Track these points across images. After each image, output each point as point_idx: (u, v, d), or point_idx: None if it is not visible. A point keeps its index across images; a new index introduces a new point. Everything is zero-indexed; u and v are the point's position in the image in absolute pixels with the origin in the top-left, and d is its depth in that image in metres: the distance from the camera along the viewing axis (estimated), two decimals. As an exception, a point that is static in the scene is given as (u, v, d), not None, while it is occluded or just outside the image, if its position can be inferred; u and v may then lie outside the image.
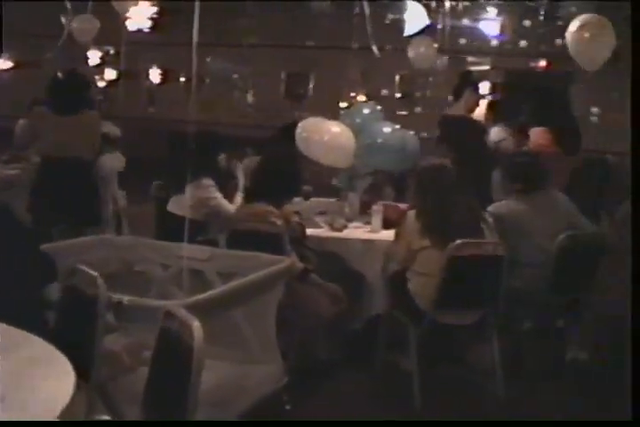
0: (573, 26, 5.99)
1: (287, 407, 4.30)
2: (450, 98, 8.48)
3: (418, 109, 14.03)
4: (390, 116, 7.00)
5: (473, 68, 12.94)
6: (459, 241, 4.50)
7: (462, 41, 13.04)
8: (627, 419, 1.95)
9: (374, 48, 7.74)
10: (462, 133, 7.69)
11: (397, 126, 6.18)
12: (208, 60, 14.90)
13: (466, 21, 13.08)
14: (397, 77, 14.83)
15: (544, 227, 5.17)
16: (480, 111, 8.34)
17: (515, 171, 5.45)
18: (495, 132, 7.51)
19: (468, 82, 8.27)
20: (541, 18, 10.42)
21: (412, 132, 6.25)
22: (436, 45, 8.98)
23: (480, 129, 7.63)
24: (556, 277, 4.96)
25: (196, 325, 2.57)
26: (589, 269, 5.17)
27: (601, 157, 12.88)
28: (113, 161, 7.56)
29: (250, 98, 16.05)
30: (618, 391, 4.94)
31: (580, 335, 5.46)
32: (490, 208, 5.37)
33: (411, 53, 8.78)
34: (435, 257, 4.62)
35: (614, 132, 12.42)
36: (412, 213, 4.83)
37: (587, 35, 5.94)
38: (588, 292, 5.25)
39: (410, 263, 4.79)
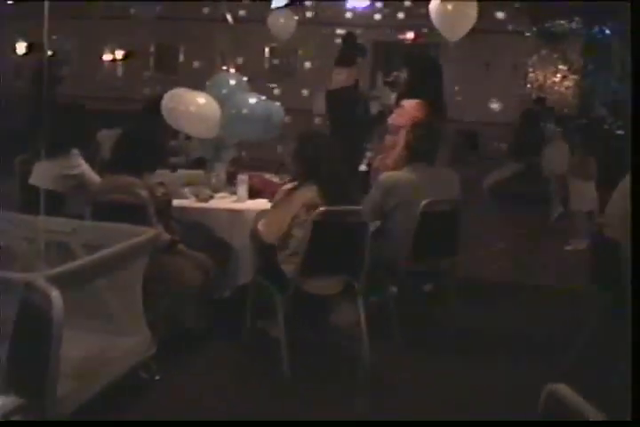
0: None
1: (157, 378, 4.35)
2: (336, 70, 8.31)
3: (288, 81, 14.05)
4: (260, 89, 6.99)
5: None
6: (322, 208, 4.53)
7: (329, 12, 13.09)
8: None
9: (228, 17, 7.72)
10: (346, 105, 7.77)
11: (263, 97, 6.20)
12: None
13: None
14: (267, 50, 14.85)
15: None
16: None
17: (413, 143, 5.44)
18: (375, 105, 7.63)
19: (355, 46, 8.33)
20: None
21: (277, 103, 6.28)
22: (296, 17, 9.01)
23: (363, 100, 7.74)
24: (415, 242, 5.07)
25: (54, 294, 2.58)
26: (448, 234, 5.33)
27: (469, 128, 13.27)
28: None
29: (120, 71, 15.82)
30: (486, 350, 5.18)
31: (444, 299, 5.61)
32: (381, 177, 5.35)
33: (270, 25, 8.82)
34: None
35: (473, 103, 12.76)
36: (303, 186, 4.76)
37: (449, 6, 6.10)
38: (448, 257, 5.43)
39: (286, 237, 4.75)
